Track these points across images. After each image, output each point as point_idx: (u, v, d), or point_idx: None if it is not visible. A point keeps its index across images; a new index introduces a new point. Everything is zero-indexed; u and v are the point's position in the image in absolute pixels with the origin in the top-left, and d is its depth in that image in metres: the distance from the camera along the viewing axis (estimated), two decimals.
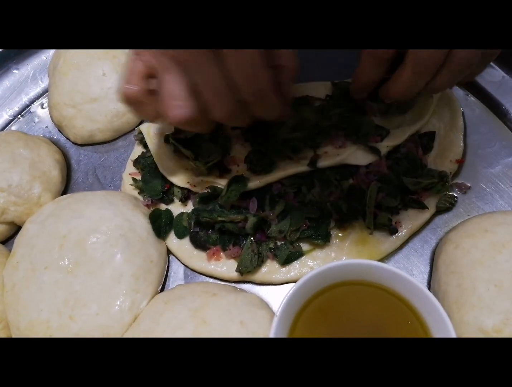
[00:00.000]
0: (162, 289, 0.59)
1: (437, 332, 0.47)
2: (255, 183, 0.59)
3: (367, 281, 0.51)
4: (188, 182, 0.61)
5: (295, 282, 0.57)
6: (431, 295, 0.47)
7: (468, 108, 0.66)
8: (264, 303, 0.55)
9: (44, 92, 0.76)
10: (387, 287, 0.50)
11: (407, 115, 0.64)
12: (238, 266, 0.57)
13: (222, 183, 0.60)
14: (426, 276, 0.57)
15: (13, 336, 0.55)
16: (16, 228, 0.65)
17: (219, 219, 0.58)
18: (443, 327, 0.46)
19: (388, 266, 0.49)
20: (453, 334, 0.45)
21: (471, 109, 0.66)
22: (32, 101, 0.76)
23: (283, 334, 0.48)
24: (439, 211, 0.60)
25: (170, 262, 0.61)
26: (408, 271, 0.58)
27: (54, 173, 0.66)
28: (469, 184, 0.62)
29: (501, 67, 0.67)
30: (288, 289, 0.57)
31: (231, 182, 0.59)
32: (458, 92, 0.68)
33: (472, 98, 0.67)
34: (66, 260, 0.56)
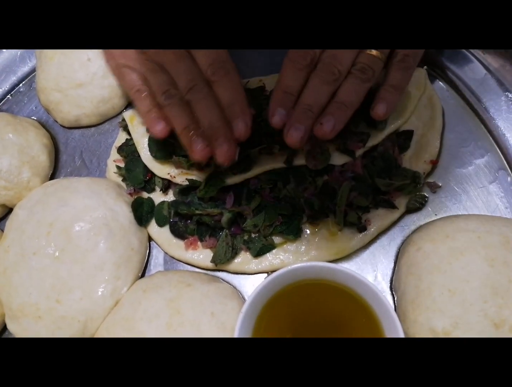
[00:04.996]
0: (143, 274, 0.63)
1: (388, 330, 0.51)
2: (233, 179, 0.61)
3: (330, 281, 0.54)
4: (168, 173, 0.63)
5: (266, 272, 0.62)
6: (384, 297, 0.50)
7: (447, 106, 0.66)
8: (236, 294, 0.59)
9: (32, 71, 0.76)
10: (348, 287, 0.54)
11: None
12: (213, 257, 0.61)
13: (201, 176, 0.62)
14: (390, 272, 0.60)
15: (6, 316, 0.60)
16: (7, 210, 0.68)
17: (197, 212, 0.61)
18: (393, 325, 0.50)
19: (349, 269, 0.52)
20: (400, 331, 0.49)
21: (450, 107, 0.66)
22: (20, 81, 0.77)
23: (248, 327, 0.53)
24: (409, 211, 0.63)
25: (151, 248, 0.65)
26: (373, 266, 0.61)
27: (42, 158, 0.68)
28: (440, 184, 0.63)
29: (483, 65, 0.67)
30: (261, 278, 0.62)
31: (209, 178, 0.61)
32: (438, 87, 0.68)
33: (452, 95, 0.67)
34: (53, 246, 0.59)
